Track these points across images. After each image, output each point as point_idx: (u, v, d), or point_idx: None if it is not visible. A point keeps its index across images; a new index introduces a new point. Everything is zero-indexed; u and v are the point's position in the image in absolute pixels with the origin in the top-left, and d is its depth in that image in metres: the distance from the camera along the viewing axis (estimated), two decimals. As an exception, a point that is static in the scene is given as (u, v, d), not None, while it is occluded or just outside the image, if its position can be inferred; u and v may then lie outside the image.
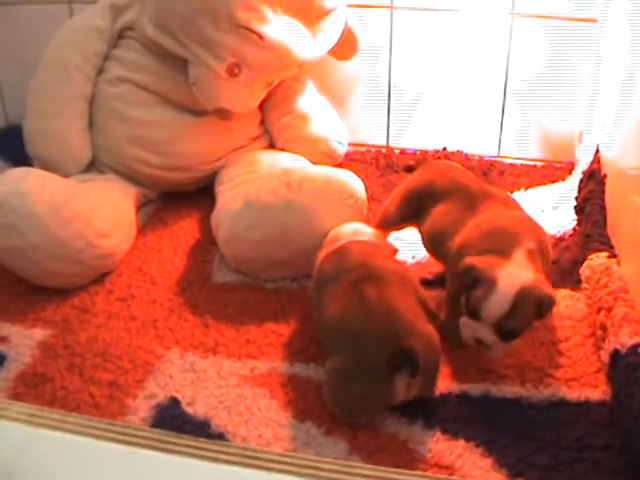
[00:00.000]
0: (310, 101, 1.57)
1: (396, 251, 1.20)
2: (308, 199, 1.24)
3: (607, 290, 1.12)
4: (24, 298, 1.27)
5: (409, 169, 1.35)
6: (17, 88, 1.55)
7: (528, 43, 1.58)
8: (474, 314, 1.04)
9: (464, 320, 1.06)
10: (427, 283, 1.26)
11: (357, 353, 0.99)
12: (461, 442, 0.98)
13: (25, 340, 1.17)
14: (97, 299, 1.27)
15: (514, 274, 1.03)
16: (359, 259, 1.10)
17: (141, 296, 1.27)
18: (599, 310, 1.12)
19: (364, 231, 1.20)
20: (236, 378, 1.10)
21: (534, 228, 1.12)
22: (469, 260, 1.05)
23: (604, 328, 1.08)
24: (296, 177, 1.26)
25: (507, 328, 1.03)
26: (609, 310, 1.09)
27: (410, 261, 1.33)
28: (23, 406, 0.88)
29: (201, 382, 1.09)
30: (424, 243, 1.26)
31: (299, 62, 1.44)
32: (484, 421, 1.02)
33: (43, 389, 1.07)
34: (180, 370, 1.11)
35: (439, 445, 0.97)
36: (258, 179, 1.32)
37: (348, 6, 1.54)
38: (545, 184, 1.57)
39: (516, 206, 1.20)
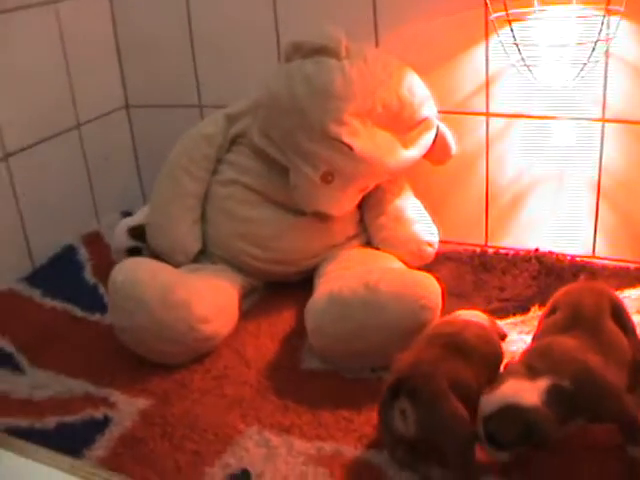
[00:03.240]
0: (404, 204, 1.68)
1: (505, 335, 1.31)
2: (383, 300, 1.34)
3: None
4: (134, 371, 1.44)
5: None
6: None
7: (620, 146, 1.63)
8: None
9: None
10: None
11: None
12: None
13: (129, 407, 1.34)
14: (195, 376, 1.42)
15: (519, 389, 1.08)
16: (451, 331, 1.23)
17: (234, 377, 1.41)
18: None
19: (476, 315, 1.32)
20: (303, 457, 1.20)
21: (583, 369, 1.11)
22: (507, 362, 1.16)
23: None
24: (374, 278, 1.37)
25: (489, 433, 1.08)
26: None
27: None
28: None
29: (272, 457, 1.21)
30: None
31: (389, 171, 1.58)
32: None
33: (137, 451, 1.23)
34: (255, 445, 1.24)
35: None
36: (343, 277, 1.45)
37: (443, 112, 1.67)
38: (635, 286, 1.59)
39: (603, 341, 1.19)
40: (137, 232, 1.72)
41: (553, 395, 1.07)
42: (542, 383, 1.08)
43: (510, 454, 1.09)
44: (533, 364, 1.11)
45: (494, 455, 1.10)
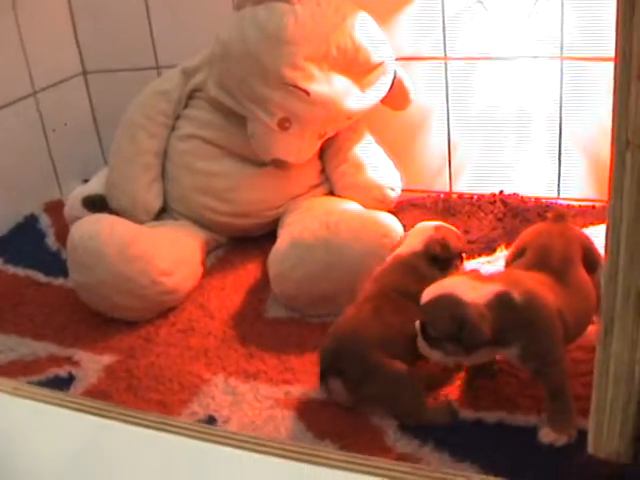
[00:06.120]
0: (366, 150, 1.66)
1: (463, 250, 1.30)
2: (344, 239, 1.34)
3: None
4: (98, 329, 1.43)
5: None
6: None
7: (580, 84, 1.61)
8: None
9: None
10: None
11: None
12: (466, 464, 1.02)
13: (94, 364, 1.33)
14: (160, 331, 1.41)
15: (463, 284, 1.04)
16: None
17: (199, 329, 1.41)
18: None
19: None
20: (270, 401, 1.20)
21: (538, 292, 1.06)
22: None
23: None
24: (334, 219, 1.37)
25: (424, 325, 1.06)
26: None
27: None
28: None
29: (238, 403, 1.20)
30: None
31: (347, 114, 1.56)
32: (493, 447, 1.06)
33: (102, 405, 1.22)
34: (222, 392, 1.23)
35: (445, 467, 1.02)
36: (303, 221, 1.44)
37: (400, 59, 1.65)
38: (601, 224, 1.58)
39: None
40: (90, 201, 1.67)
41: (500, 302, 1.02)
42: (493, 288, 1.04)
43: (445, 354, 1.05)
44: (489, 279, 1.08)
45: (430, 355, 1.07)
